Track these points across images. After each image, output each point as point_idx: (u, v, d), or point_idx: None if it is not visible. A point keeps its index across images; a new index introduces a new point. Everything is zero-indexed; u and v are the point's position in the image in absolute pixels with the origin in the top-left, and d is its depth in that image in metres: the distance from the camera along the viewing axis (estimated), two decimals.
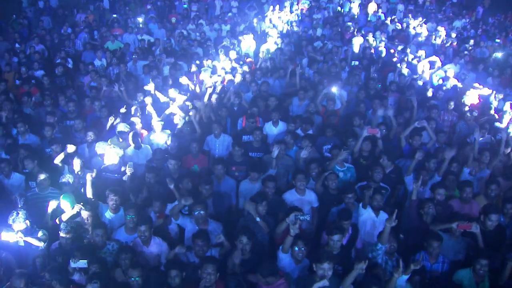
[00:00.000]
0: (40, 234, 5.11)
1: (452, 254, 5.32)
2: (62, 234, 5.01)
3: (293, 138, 6.98)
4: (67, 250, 4.88)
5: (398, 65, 10.52)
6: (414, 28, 14.69)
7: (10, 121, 7.74)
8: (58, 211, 5.43)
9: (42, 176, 5.84)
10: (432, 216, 5.59)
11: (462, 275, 4.93)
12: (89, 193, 5.63)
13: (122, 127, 7.14)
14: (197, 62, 10.52)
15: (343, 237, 5.04)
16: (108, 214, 5.61)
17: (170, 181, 5.55)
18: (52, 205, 5.43)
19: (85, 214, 5.28)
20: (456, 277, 4.96)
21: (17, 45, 12.10)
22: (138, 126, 7.35)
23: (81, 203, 5.34)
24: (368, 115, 8.14)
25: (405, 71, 10.35)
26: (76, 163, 6.08)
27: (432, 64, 10.95)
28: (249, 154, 7.02)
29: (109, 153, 6.42)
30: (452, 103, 8.56)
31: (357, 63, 10.42)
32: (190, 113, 7.48)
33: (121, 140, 7.07)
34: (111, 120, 7.51)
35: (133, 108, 7.84)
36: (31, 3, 15.93)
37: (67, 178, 5.93)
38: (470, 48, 12.98)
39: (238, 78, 9.45)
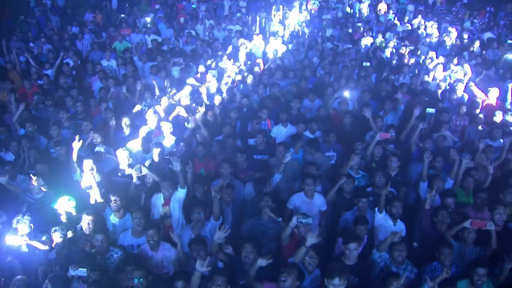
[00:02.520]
0: (44, 238, 5.04)
1: (465, 263, 5.13)
2: (55, 237, 4.89)
3: (299, 141, 6.85)
4: (64, 258, 4.81)
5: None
6: (425, 28, 14.49)
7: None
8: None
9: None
10: (447, 224, 5.42)
11: (459, 287, 4.64)
12: (97, 194, 5.51)
13: (143, 131, 7.08)
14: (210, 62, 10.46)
15: (359, 246, 4.84)
16: (113, 219, 5.50)
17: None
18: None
19: (87, 219, 5.09)
20: None
21: (30, 44, 12.09)
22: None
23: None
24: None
25: (416, 73, 10.20)
26: (87, 164, 5.95)
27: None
28: (254, 157, 6.88)
29: (121, 157, 6.34)
30: (463, 107, 8.39)
31: (368, 64, 10.25)
32: (197, 115, 7.37)
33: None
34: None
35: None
36: (39, 3, 15.90)
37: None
38: (473, 48, 12.69)
39: (250, 80, 9.34)
